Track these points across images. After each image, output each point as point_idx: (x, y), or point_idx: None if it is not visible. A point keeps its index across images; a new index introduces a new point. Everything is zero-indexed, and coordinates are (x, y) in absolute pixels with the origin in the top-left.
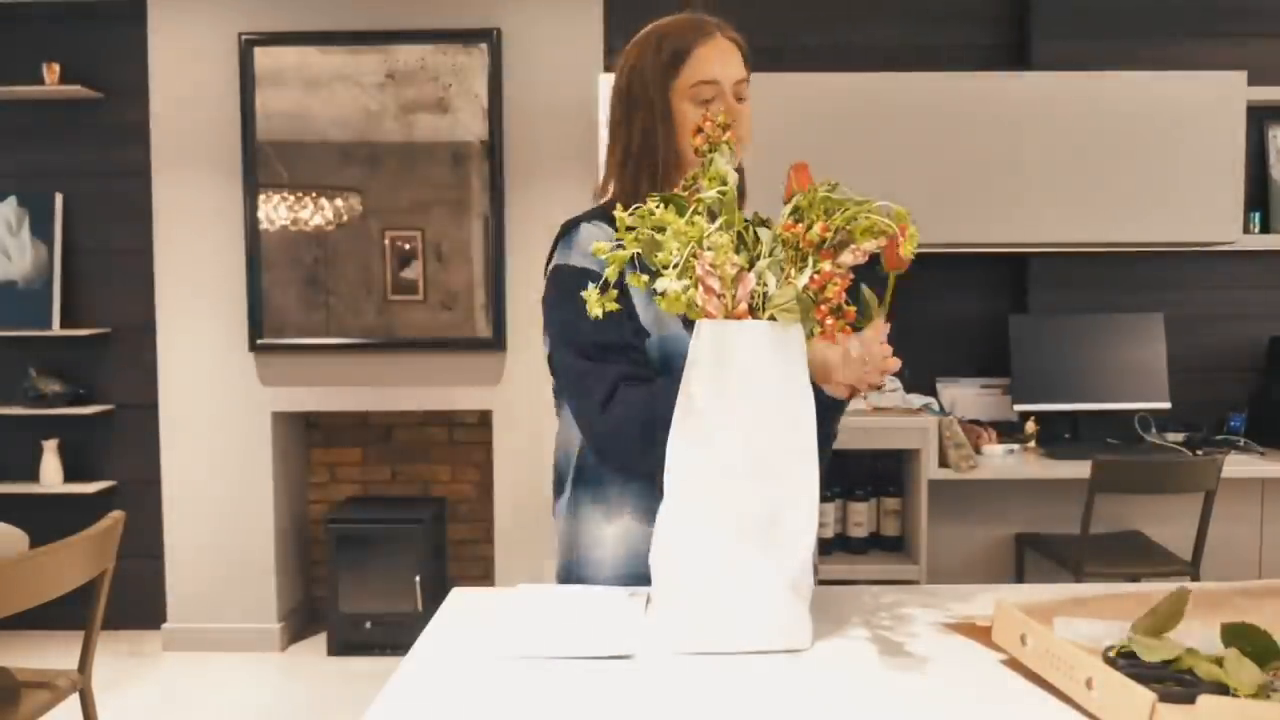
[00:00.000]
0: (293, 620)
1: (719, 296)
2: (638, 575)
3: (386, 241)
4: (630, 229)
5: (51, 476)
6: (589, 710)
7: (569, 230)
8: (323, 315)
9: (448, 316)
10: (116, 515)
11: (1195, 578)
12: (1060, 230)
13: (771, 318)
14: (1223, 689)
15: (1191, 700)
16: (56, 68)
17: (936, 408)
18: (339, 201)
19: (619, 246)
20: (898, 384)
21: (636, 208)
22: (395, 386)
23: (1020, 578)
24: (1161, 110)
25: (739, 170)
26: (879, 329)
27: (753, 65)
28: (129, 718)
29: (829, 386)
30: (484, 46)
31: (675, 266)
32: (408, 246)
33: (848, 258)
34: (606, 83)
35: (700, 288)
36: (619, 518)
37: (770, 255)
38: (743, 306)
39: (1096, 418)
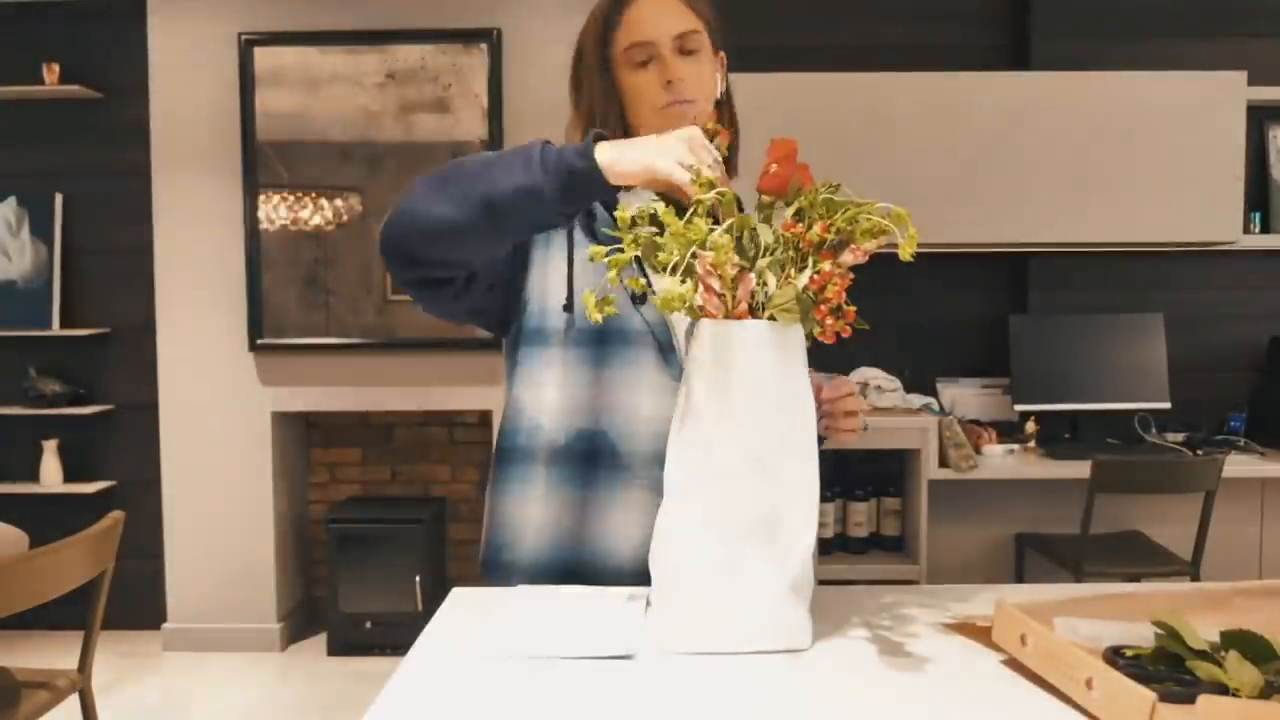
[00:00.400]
0: (293, 620)
1: (719, 296)
2: (560, 557)
3: None
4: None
5: (51, 476)
6: (589, 710)
7: None
8: (322, 315)
9: None
10: (116, 515)
11: (1195, 578)
12: (1060, 230)
13: (771, 318)
14: (1223, 689)
15: (1191, 700)
16: (56, 68)
17: (936, 408)
18: (339, 201)
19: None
20: (898, 384)
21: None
22: (395, 386)
23: (1020, 578)
24: (1161, 110)
25: (731, 148)
26: (848, 385)
27: (750, 62)
28: (129, 718)
29: None
30: (484, 46)
31: (675, 269)
32: None
33: (848, 258)
34: None
35: (700, 288)
36: (535, 490)
37: (770, 255)
38: (743, 306)
39: (1096, 418)
